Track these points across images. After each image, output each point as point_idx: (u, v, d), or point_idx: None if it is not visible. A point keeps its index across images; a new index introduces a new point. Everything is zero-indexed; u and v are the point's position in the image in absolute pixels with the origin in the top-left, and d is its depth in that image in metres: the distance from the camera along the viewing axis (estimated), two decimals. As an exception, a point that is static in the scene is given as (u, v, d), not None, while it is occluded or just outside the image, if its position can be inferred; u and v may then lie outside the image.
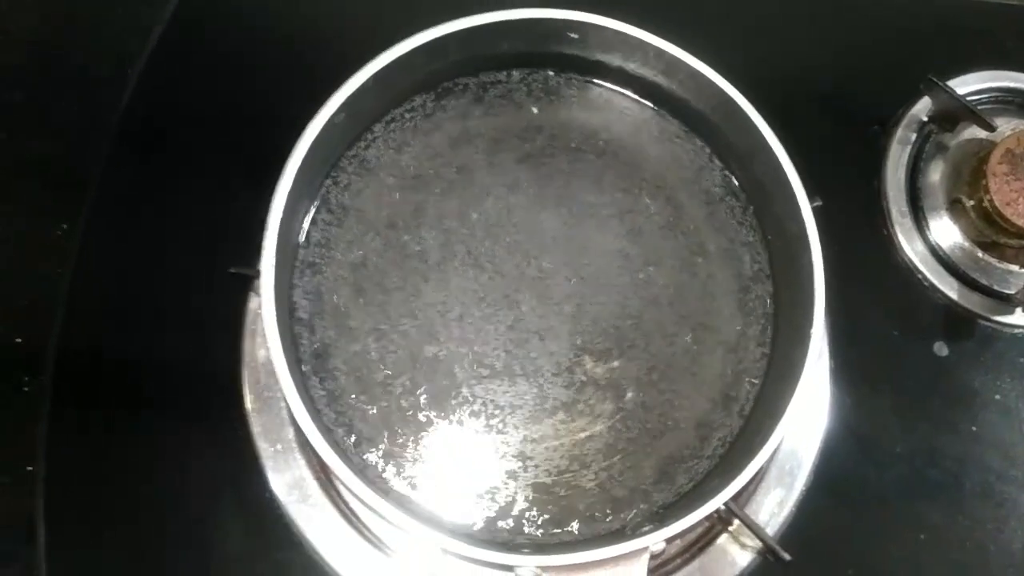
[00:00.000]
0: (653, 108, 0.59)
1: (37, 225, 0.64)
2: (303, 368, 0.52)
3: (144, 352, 0.61)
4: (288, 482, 0.57)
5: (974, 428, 0.61)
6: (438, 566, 0.54)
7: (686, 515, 0.45)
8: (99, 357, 0.61)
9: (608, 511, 0.51)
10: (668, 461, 0.52)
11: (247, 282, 0.60)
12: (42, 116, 0.67)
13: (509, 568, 0.46)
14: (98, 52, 0.69)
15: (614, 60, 0.57)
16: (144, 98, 0.66)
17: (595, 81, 0.59)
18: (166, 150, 0.66)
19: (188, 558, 0.57)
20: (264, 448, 0.58)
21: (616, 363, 0.54)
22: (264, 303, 0.47)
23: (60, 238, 0.63)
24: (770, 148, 0.51)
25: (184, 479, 0.58)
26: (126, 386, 0.60)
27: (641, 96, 0.58)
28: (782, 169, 0.50)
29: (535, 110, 0.58)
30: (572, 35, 0.54)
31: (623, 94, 0.59)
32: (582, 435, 0.52)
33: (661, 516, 0.50)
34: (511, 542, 0.50)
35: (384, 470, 0.51)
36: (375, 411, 0.52)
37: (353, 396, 0.52)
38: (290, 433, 0.58)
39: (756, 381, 0.54)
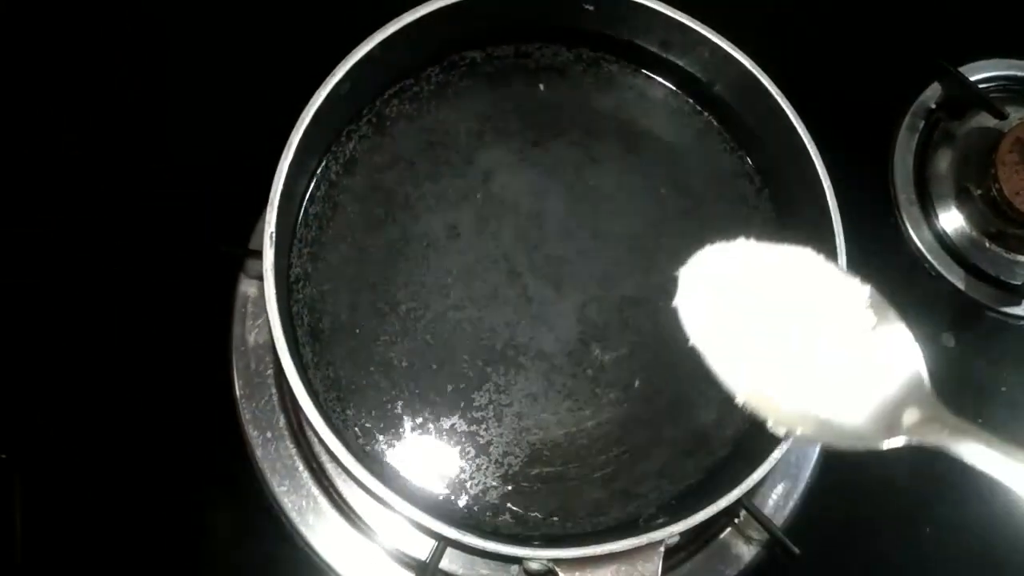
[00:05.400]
0: (666, 86, 0.57)
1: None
2: (301, 351, 0.50)
3: (129, 337, 0.59)
4: (279, 471, 0.55)
5: (980, 420, 0.60)
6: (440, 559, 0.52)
7: (704, 507, 0.44)
8: (83, 343, 0.59)
9: (618, 502, 0.49)
10: (679, 450, 0.51)
11: (237, 266, 0.58)
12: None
13: (518, 561, 0.45)
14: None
15: (627, 34, 0.54)
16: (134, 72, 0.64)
17: (607, 57, 0.56)
18: (159, 123, 0.63)
19: (175, 547, 0.55)
20: (254, 436, 0.56)
21: (624, 350, 0.52)
22: (266, 282, 0.44)
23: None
24: (793, 128, 0.49)
25: (171, 467, 0.56)
26: (110, 372, 0.58)
27: (653, 73, 0.56)
28: (805, 151, 0.49)
29: (542, 87, 0.56)
30: (587, 6, 0.52)
31: (635, 71, 0.57)
32: (590, 423, 0.51)
33: (674, 508, 0.48)
34: (520, 534, 0.48)
35: (386, 458, 0.48)
36: (375, 396, 0.49)
37: (353, 381, 0.49)
38: (281, 420, 0.56)
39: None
